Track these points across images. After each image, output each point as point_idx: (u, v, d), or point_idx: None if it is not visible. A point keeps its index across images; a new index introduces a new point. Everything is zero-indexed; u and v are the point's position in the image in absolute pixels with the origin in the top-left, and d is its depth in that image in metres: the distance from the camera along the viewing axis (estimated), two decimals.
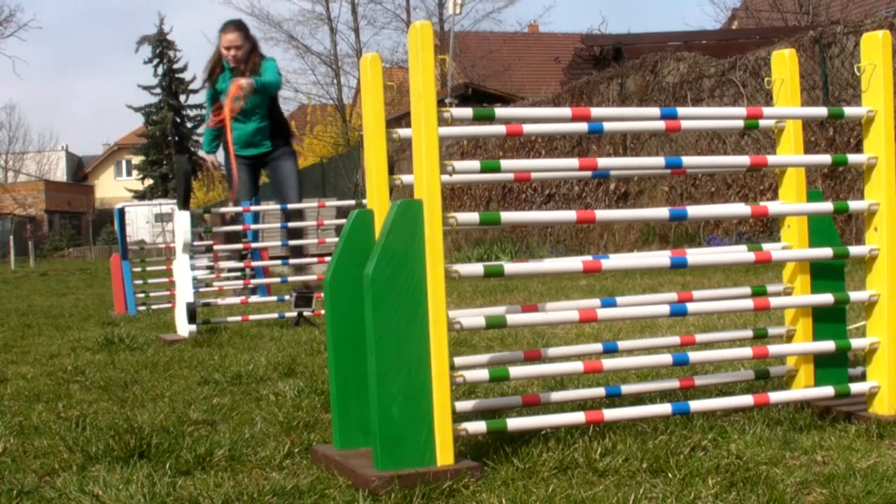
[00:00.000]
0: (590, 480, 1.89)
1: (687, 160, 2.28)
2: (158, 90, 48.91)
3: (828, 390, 2.31)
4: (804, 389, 2.41)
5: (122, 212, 7.63)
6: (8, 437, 2.46)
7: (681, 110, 2.26)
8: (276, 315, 5.26)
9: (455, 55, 24.08)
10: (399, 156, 15.47)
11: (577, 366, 2.22)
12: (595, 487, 1.83)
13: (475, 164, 2.15)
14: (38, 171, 50.87)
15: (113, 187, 54.43)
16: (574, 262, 2.20)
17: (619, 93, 12.18)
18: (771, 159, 2.34)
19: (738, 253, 2.44)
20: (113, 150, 56.65)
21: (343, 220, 5.21)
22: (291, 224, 6.23)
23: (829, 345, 2.37)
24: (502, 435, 2.14)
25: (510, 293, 6.92)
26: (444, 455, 1.94)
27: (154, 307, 7.04)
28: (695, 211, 2.22)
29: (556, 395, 2.27)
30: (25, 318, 6.66)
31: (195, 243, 5.28)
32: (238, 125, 6.90)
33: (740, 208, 2.28)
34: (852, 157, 2.34)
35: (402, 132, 2.19)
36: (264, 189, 8.44)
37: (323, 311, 3.00)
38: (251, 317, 5.22)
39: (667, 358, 2.29)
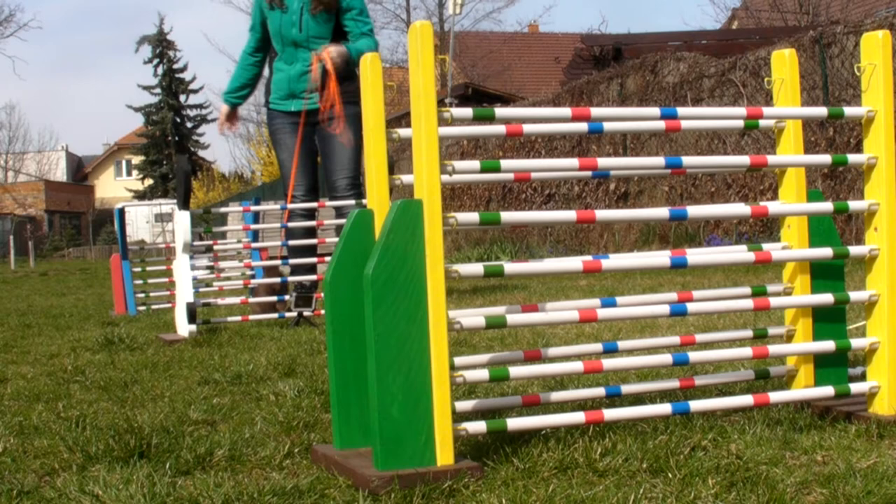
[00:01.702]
0: (590, 480, 1.89)
1: (687, 160, 2.28)
2: (158, 90, 48.96)
3: (828, 390, 2.31)
4: (804, 389, 2.41)
5: (122, 212, 7.63)
6: (8, 437, 2.45)
7: (681, 110, 2.26)
8: (276, 315, 5.26)
9: (455, 55, 24.08)
10: (399, 156, 15.48)
11: (577, 366, 2.22)
12: (595, 487, 1.83)
13: (475, 164, 2.15)
14: (38, 171, 50.90)
15: (113, 187, 54.47)
16: (574, 262, 2.20)
17: (619, 93, 12.19)
18: (771, 159, 2.34)
19: (738, 253, 2.44)
20: (113, 150, 56.69)
21: (343, 220, 5.21)
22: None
23: (829, 345, 2.37)
24: (502, 435, 2.14)
25: (510, 293, 6.92)
26: (444, 455, 1.94)
27: (154, 307, 7.05)
28: (695, 211, 2.22)
29: (556, 395, 2.27)
30: (25, 318, 6.66)
31: (195, 243, 5.28)
32: (281, 65, 5.38)
33: (740, 208, 2.28)
34: (852, 157, 2.34)
35: (402, 132, 2.19)
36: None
37: (323, 311, 3.00)
38: (251, 317, 5.22)
39: (667, 358, 2.29)
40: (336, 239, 5.40)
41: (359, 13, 5.32)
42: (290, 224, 5.35)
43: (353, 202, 5.19)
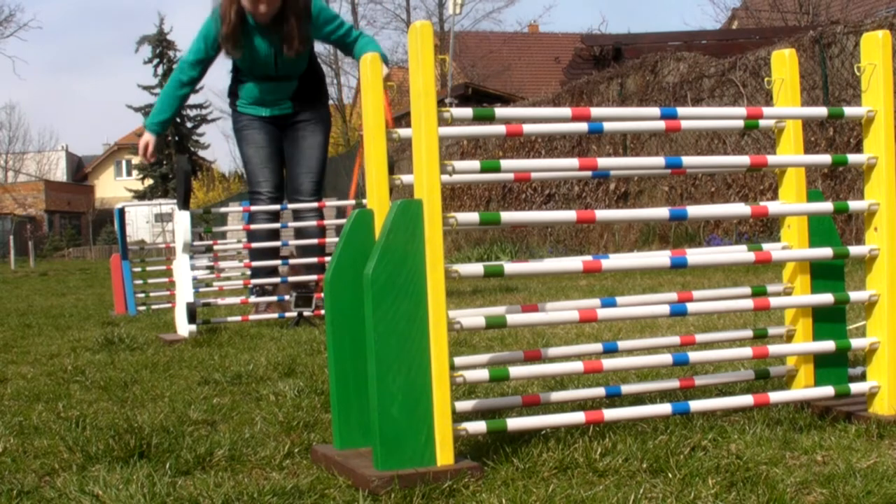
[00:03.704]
0: (590, 480, 1.89)
1: (687, 160, 2.28)
2: (158, 90, 48.93)
3: (828, 390, 2.31)
4: (804, 389, 2.41)
5: (122, 212, 7.63)
6: (8, 437, 2.45)
7: (681, 110, 2.26)
8: (276, 315, 5.26)
9: (455, 55, 24.09)
10: (399, 156, 15.48)
11: (577, 366, 2.22)
12: (595, 487, 1.83)
13: (475, 164, 2.15)
14: (38, 171, 50.92)
15: (113, 187, 54.48)
16: (574, 262, 2.20)
17: (619, 93, 12.19)
18: (771, 159, 2.34)
19: (738, 253, 2.44)
20: (113, 150, 56.70)
21: (343, 220, 5.21)
22: (297, 224, 5.25)
23: (829, 345, 2.37)
24: (502, 435, 2.14)
25: (510, 293, 6.92)
26: (444, 455, 1.94)
27: (154, 307, 7.04)
28: (695, 211, 2.22)
29: (556, 395, 2.27)
30: (25, 318, 6.66)
31: (195, 243, 5.27)
32: (253, 82, 5.23)
33: (740, 208, 2.28)
34: (852, 157, 2.34)
35: (402, 132, 2.19)
36: None
37: (323, 311, 3.00)
38: (251, 317, 5.22)
39: (667, 358, 2.29)
40: (336, 239, 5.40)
41: (337, 22, 5.14)
42: (255, 226, 5.29)
43: (315, 204, 5.21)
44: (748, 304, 2.35)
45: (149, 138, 5.29)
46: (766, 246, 2.45)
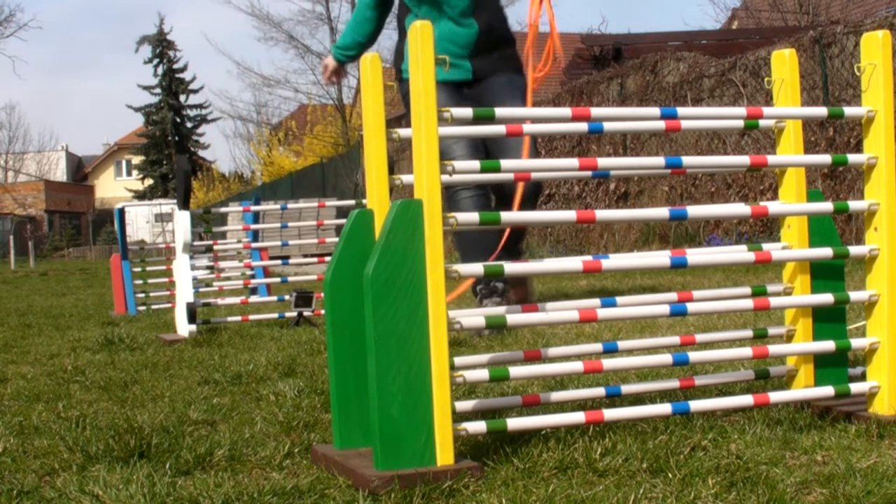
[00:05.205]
0: (590, 480, 1.89)
1: (687, 160, 2.27)
2: (158, 90, 49.02)
3: (828, 390, 2.31)
4: (804, 389, 2.41)
5: (122, 212, 7.63)
6: (8, 437, 2.45)
7: (681, 110, 2.26)
8: (276, 315, 5.26)
9: None
10: (399, 156, 15.47)
11: (577, 366, 2.22)
12: (595, 487, 1.83)
13: (475, 163, 2.15)
14: (38, 171, 50.92)
15: (113, 187, 54.52)
16: (574, 262, 2.20)
17: (619, 93, 12.19)
18: (771, 159, 2.34)
19: (738, 253, 2.44)
20: (113, 150, 56.74)
21: (343, 220, 5.21)
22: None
23: (829, 345, 2.37)
24: (502, 435, 2.14)
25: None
26: (444, 455, 1.94)
27: (154, 307, 7.05)
28: (695, 211, 2.22)
29: (556, 395, 2.27)
30: (25, 318, 6.66)
31: (195, 243, 5.28)
32: (444, 22, 4.24)
33: (740, 208, 2.28)
34: (852, 157, 2.34)
35: (402, 132, 2.19)
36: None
37: (323, 311, 3.00)
38: (251, 317, 5.22)
39: (667, 358, 2.29)
40: (336, 239, 5.40)
41: None
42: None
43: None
44: (748, 304, 2.35)
45: (330, 63, 4.90)
46: (766, 246, 2.45)
